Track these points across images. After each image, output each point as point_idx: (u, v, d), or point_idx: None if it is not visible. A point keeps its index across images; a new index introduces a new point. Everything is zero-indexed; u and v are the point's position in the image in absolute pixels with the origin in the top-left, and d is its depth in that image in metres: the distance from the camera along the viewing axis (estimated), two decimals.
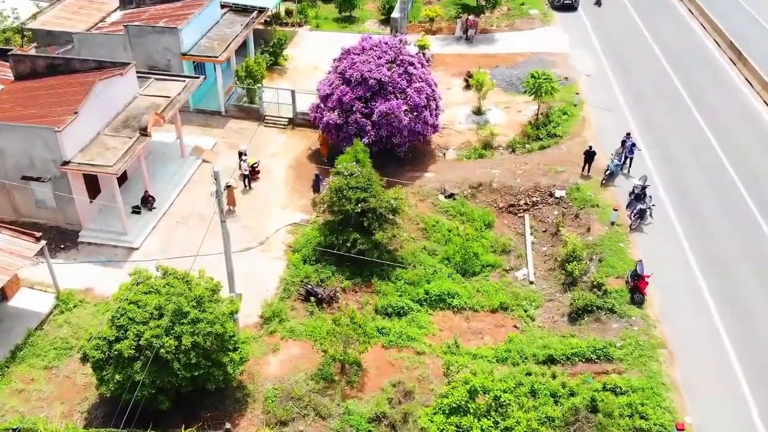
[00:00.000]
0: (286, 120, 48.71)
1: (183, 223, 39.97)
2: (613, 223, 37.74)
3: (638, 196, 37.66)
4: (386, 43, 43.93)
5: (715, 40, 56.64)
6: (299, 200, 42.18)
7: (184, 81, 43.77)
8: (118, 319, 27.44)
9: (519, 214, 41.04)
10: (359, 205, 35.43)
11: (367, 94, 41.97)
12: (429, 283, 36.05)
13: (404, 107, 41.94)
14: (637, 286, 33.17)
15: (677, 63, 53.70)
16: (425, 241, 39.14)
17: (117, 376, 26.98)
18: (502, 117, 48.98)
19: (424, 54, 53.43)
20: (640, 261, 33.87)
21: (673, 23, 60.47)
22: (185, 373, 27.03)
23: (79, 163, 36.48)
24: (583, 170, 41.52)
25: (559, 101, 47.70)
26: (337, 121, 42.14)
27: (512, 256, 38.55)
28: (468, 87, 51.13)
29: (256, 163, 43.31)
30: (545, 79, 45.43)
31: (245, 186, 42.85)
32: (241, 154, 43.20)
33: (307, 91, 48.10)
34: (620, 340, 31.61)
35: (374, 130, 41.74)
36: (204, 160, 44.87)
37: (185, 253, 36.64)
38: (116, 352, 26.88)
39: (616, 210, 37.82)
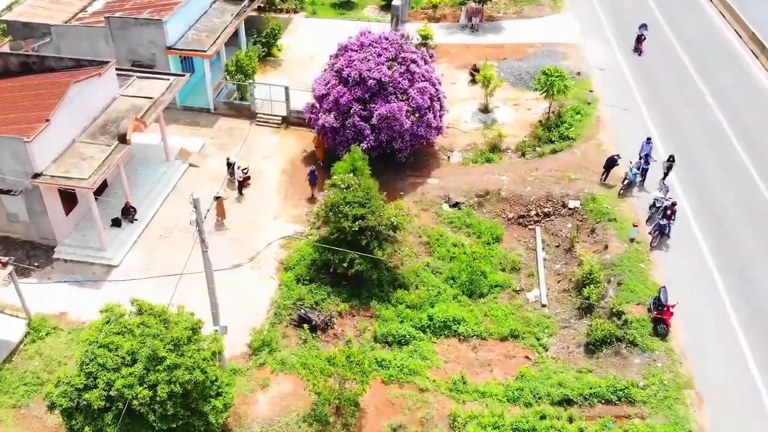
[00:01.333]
0: (280, 118, 45.52)
1: (167, 237, 37.04)
2: (632, 240, 34.77)
3: (663, 211, 34.53)
4: (386, 39, 40.62)
5: (735, 31, 53.14)
6: (293, 209, 39.19)
7: (169, 79, 40.55)
8: (87, 364, 24.66)
9: (529, 227, 38.06)
10: (357, 222, 32.46)
11: (366, 95, 38.78)
12: (433, 307, 33.24)
13: (406, 109, 38.70)
14: (660, 316, 30.28)
15: (696, 55, 50.27)
16: (428, 257, 36.21)
17: (87, 428, 24.28)
18: (510, 115, 45.78)
19: (426, 46, 50.25)
20: (664, 288, 30.96)
21: (690, 12, 56.82)
22: (162, 425, 24.34)
23: (51, 176, 33.48)
24: (602, 177, 38.49)
25: (572, 99, 44.45)
26: (334, 125, 39.01)
27: (522, 274, 35.62)
28: (474, 82, 47.84)
29: (245, 168, 40.22)
30: (558, 76, 42.15)
31: (239, 194, 39.82)
32: (229, 164, 40.11)
33: (302, 87, 44.97)
34: (643, 379, 28.80)
35: (373, 135, 38.64)
36: (191, 164, 41.80)
37: (169, 270, 33.98)
38: (85, 402, 24.09)
39: (636, 226, 34.80)
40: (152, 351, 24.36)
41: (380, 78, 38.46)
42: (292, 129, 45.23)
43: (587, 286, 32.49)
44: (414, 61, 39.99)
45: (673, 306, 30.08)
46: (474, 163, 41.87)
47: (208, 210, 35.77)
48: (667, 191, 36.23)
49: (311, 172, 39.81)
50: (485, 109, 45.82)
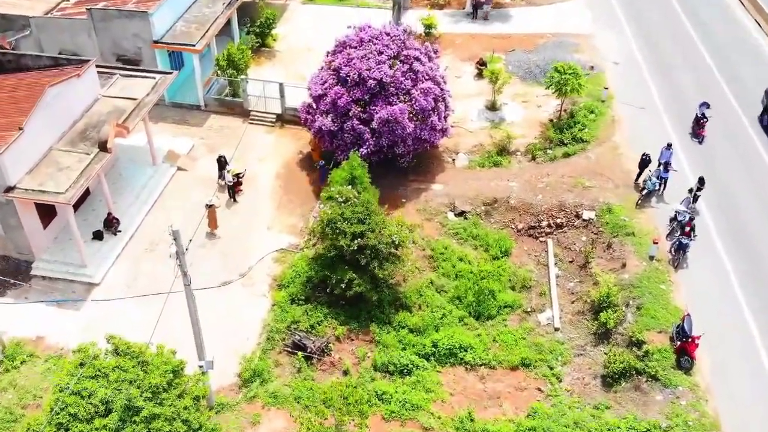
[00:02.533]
0: (274, 116, 42.81)
1: (152, 250, 34.58)
2: (652, 258, 32.28)
3: (682, 226, 31.98)
4: (388, 34, 37.78)
5: (756, 21, 50.10)
6: (288, 218, 36.69)
7: (154, 78, 37.78)
8: (58, 414, 22.29)
9: (541, 239, 35.55)
10: (355, 241, 29.98)
11: (366, 97, 36.07)
12: (437, 331, 30.91)
13: (408, 111, 36.02)
14: (684, 347, 27.88)
15: (715, 46, 47.28)
16: (432, 272, 33.79)
17: None
18: (519, 113, 43.05)
19: (430, 36, 47.44)
20: (688, 315, 28.53)
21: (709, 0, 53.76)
22: None
23: (25, 189, 30.95)
24: (636, 178, 36.19)
25: (585, 96, 41.60)
26: (331, 128, 36.34)
27: (533, 293, 33.21)
28: (480, 76, 45.03)
29: (240, 173, 37.59)
30: (571, 73, 39.36)
31: (230, 198, 37.32)
32: (221, 162, 37.57)
33: (298, 82, 42.26)
34: (665, 419, 26.50)
35: (374, 139, 36.00)
36: (179, 168, 39.19)
37: (154, 287, 31.86)
38: None
39: (656, 243, 32.26)
40: (128, 400, 22.09)
41: (381, 78, 35.73)
42: (288, 128, 42.57)
43: (604, 311, 30.08)
44: (417, 59, 37.23)
45: (698, 337, 27.67)
46: (481, 167, 39.26)
47: (201, 220, 33.49)
48: (689, 203, 33.68)
49: (322, 166, 37.36)
50: (493, 107, 43.11)
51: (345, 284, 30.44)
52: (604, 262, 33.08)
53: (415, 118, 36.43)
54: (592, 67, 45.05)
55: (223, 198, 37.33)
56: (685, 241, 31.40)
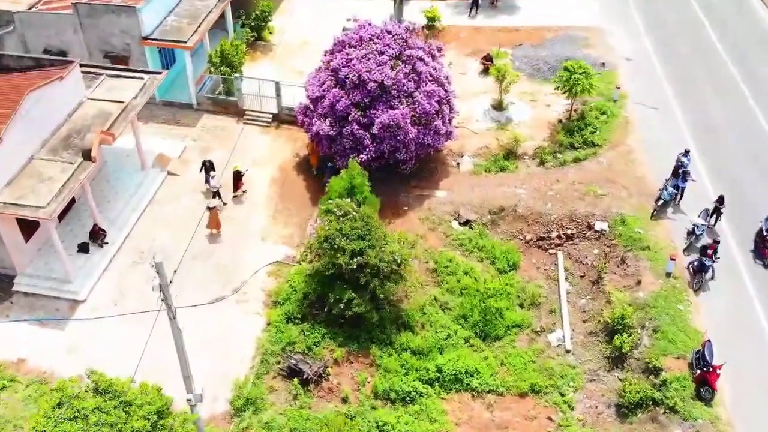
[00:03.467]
0: (270, 116, 40.82)
1: (140, 263, 32.76)
2: (669, 275, 30.49)
3: (703, 248, 30.14)
4: (389, 33, 35.73)
5: None
6: (283, 228, 34.85)
7: (143, 79, 35.76)
8: None
9: (550, 251, 33.73)
10: (355, 259, 28.19)
11: (366, 100, 34.09)
12: (441, 353, 29.20)
13: (411, 115, 34.10)
14: (704, 377, 26.17)
15: (731, 41, 45.19)
16: (436, 288, 32.03)
17: None
18: (527, 112, 41.04)
19: (433, 29, 45.37)
20: (709, 342, 26.80)
21: None
22: None
23: (4, 203, 29.11)
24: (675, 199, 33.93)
25: (596, 95, 39.59)
26: (330, 133, 34.39)
27: (543, 310, 31.47)
28: (486, 72, 42.99)
29: (242, 171, 35.98)
30: (582, 73, 37.32)
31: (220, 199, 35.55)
32: (206, 166, 35.70)
33: (295, 79, 40.40)
34: None
35: (374, 145, 34.07)
36: (170, 173, 37.28)
37: (142, 304, 30.04)
38: None
39: (673, 259, 30.45)
40: None
41: (382, 80, 33.73)
42: (284, 128, 40.61)
43: (619, 335, 28.35)
44: (420, 59, 35.20)
45: (719, 367, 25.95)
46: (487, 172, 37.33)
47: (195, 231, 31.74)
48: (709, 216, 31.85)
49: (330, 167, 35.40)
50: (499, 106, 41.10)
51: (344, 304, 28.67)
52: (617, 279, 31.30)
53: (418, 123, 34.49)
54: (603, 64, 43.01)
55: (212, 199, 35.36)
56: (708, 263, 29.56)
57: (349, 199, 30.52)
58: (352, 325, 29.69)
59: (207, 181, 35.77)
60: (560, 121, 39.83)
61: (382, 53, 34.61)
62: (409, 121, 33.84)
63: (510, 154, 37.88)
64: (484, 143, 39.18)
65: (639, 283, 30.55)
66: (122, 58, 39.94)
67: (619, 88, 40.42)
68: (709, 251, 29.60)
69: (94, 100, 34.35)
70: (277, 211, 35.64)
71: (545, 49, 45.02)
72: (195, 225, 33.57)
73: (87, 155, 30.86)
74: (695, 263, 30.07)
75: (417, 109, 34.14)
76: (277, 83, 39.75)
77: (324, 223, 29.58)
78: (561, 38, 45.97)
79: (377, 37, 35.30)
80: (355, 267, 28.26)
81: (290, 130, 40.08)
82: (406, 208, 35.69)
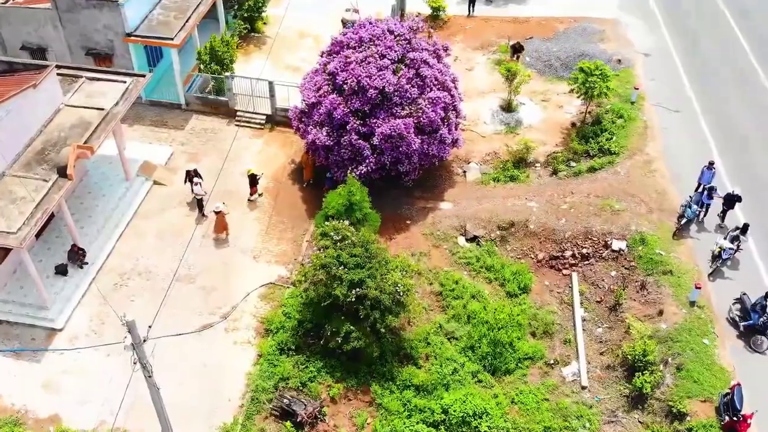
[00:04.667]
0: (263, 117, 38.19)
1: (123, 285, 30.48)
2: (693, 304, 28.14)
3: (753, 307, 27.59)
4: (391, 32, 33.01)
5: None
6: (277, 245, 32.48)
7: (125, 82, 33.13)
8: None
9: (564, 271, 31.37)
10: (353, 291, 25.85)
11: (366, 108, 31.48)
12: (447, 390, 26.93)
13: (415, 124, 31.56)
14: (733, 426, 23.94)
15: (757, 36, 42.25)
16: (441, 314, 29.73)
17: None
18: (537, 114, 38.43)
19: (437, 17, 42.55)
20: (738, 385, 24.54)
21: None
22: None
23: None
24: (721, 220, 31.16)
25: (613, 96, 36.88)
26: (327, 143, 31.85)
27: (557, 340, 29.21)
28: (517, 59, 39.98)
29: (258, 175, 33.86)
30: (599, 75, 34.63)
31: (199, 214, 33.07)
32: (191, 175, 33.28)
33: (289, 81, 37.53)
34: None
35: (375, 156, 31.54)
36: (156, 182, 34.79)
37: (125, 333, 27.69)
38: None
39: (698, 288, 28.07)
40: None
41: (383, 87, 31.09)
42: (278, 131, 38.03)
43: (639, 372, 26.08)
44: (425, 62, 32.52)
45: (750, 416, 23.71)
46: (495, 182, 34.83)
47: (186, 248, 29.39)
48: (738, 238, 29.43)
49: (329, 178, 33.22)
50: (508, 107, 38.45)
51: (341, 338, 26.39)
52: (637, 306, 28.97)
53: (422, 132, 31.94)
54: (619, 61, 40.30)
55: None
56: (762, 319, 27.06)
57: (347, 222, 28.13)
58: (350, 358, 27.46)
59: (193, 190, 33.37)
60: (574, 124, 37.23)
61: (383, 56, 31.94)
62: (412, 131, 31.27)
63: (520, 162, 35.32)
64: (492, 148, 36.64)
65: (661, 313, 28.21)
66: (105, 56, 37.33)
67: (637, 89, 37.65)
68: (757, 307, 27.08)
69: (72, 106, 31.75)
70: (271, 225, 33.24)
71: (557, 43, 42.21)
72: (181, 242, 31.34)
73: (62, 172, 28.42)
74: (745, 320, 27.59)
75: (421, 118, 31.53)
76: (270, 83, 37.04)
77: (319, 250, 27.17)
78: (574, 31, 43.13)
79: (378, 38, 32.58)
80: (353, 299, 25.93)
81: (285, 133, 37.52)
82: (408, 222, 33.29)
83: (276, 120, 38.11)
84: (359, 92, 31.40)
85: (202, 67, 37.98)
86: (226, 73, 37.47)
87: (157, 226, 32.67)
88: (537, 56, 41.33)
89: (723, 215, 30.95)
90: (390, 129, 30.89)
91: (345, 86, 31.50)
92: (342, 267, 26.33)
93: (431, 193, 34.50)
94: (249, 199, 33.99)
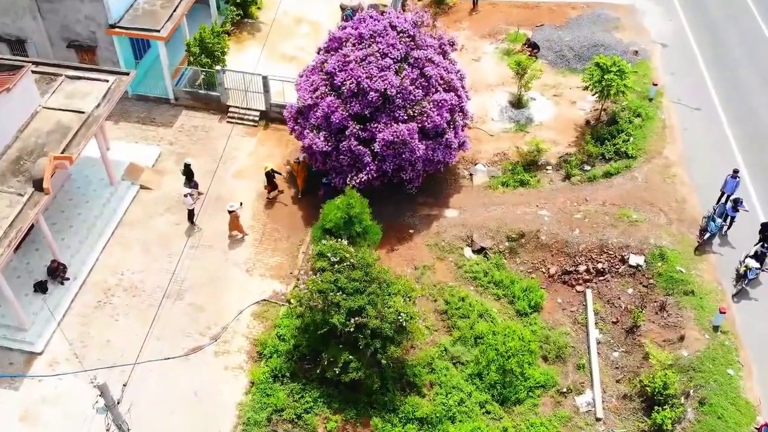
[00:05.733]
0: (257, 113, 35.91)
1: (106, 302, 28.55)
2: (716, 329, 26.23)
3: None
4: (393, 28, 30.57)
5: None
6: (272, 255, 30.51)
7: (107, 81, 30.84)
8: None
9: (578, 287, 29.42)
10: (352, 321, 23.92)
11: (366, 112, 29.23)
12: (453, 423, 25.22)
13: (419, 129, 29.39)
14: None
15: None
16: (446, 336, 27.85)
17: None
18: (549, 110, 36.14)
19: (441, 2, 40.05)
20: (766, 426, 22.68)
21: None
22: None
23: None
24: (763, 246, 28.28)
25: (630, 93, 34.58)
26: (324, 149, 29.69)
27: (570, 365, 27.37)
28: (534, 57, 37.60)
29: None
30: (617, 72, 32.31)
31: (190, 223, 31.08)
32: (189, 170, 31.27)
33: (285, 75, 35.17)
34: None
35: (375, 163, 29.39)
36: (142, 186, 32.66)
37: (108, 356, 26.32)
38: None
39: (723, 312, 26.12)
40: None
41: (385, 89, 28.80)
42: (273, 128, 35.81)
43: (659, 407, 24.26)
44: (430, 60, 30.16)
45: None
46: (504, 187, 32.70)
47: (177, 263, 27.46)
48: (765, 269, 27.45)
49: (325, 184, 31.23)
50: (518, 103, 36.14)
51: (339, 368, 24.52)
52: (656, 329, 27.08)
53: (426, 137, 29.76)
54: (636, 52, 37.89)
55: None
56: None
57: (346, 240, 26.09)
58: (349, 387, 25.61)
59: (190, 185, 31.57)
60: (588, 122, 34.99)
61: (385, 55, 29.60)
62: (416, 137, 29.08)
63: (531, 165, 33.16)
64: (500, 148, 34.44)
65: (682, 338, 26.33)
66: (88, 48, 35.05)
67: (656, 85, 35.28)
68: None
69: (51, 109, 29.50)
70: (265, 234, 31.22)
71: (570, 31, 39.73)
72: (169, 253, 29.47)
73: (38, 185, 26.31)
74: None
75: (426, 122, 29.30)
76: (264, 78, 34.68)
77: (316, 273, 25.19)
78: (587, 18, 40.60)
79: (379, 35, 30.17)
80: (352, 329, 24.01)
81: (280, 130, 35.27)
82: (411, 231, 31.27)
83: (271, 116, 35.86)
84: (359, 95, 29.14)
85: (191, 60, 35.56)
86: (217, 67, 35.06)
87: (143, 236, 30.65)
88: (548, 46, 38.90)
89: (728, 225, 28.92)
90: (392, 135, 28.70)
91: (344, 88, 29.20)
92: (340, 292, 24.37)
93: (435, 198, 32.40)
94: (268, 198, 32.28)
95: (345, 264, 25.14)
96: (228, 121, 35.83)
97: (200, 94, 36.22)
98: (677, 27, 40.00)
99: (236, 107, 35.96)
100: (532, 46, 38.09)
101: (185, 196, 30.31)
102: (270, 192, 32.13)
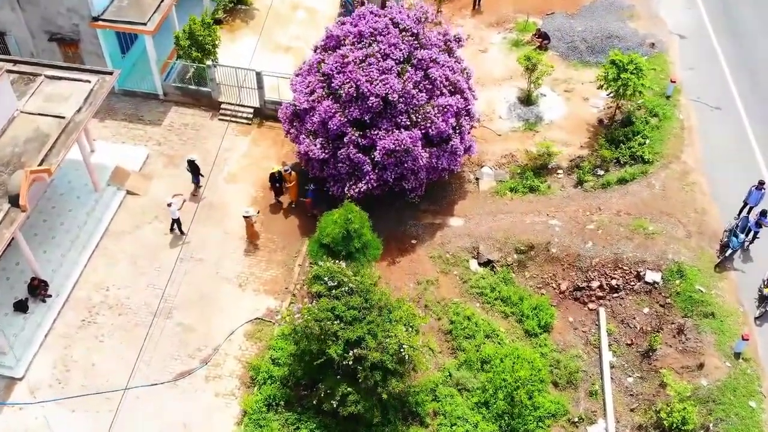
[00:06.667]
0: (251, 110, 33.97)
1: (91, 322, 26.94)
2: (738, 356, 24.65)
3: None
4: (396, 25, 28.49)
5: None
6: (266, 268, 28.86)
7: (90, 82, 28.87)
8: None
9: (590, 305, 27.79)
10: (351, 353, 22.32)
11: (366, 118, 27.29)
12: None
13: (422, 135, 27.52)
14: None
15: None
16: (451, 359, 26.27)
17: None
18: (560, 108, 34.17)
19: None
20: None
21: None
22: None
23: None
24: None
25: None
26: (321, 156, 27.83)
27: (582, 391, 25.85)
28: (541, 48, 35.60)
29: (285, 169, 30.02)
30: (634, 71, 30.29)
31: (177, 232, 29.38)
32: (195, 166, 29.65)
33: (281, 72, 33.11)
34: None
35: (376, 173, 27.55)
36: (129, 191, 30.86)
37: (92, 382, 24.92)
38: None
39: (746, 339, 24.49)
40: None
41: (386, 94, 26.83)
42: (268, 126, 33.95)
43: None
44: (434, 61, 28.13)
45: None
46: (512, 193, 30.89)
47: (169, 279, 25.88)
48: None
49: (312, 191, 29.57)
50: (527, 100, 34.15)
51: (337, 400, 22.97)
52: (674, 355, 25.46)
53: (430, 144, 27.90)
54: (652, 44, 35.74)
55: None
56: None
57: (344, 263, 24.36)
58: (347, 418, 24.03)
59: (197, 181, 30.55)
60: (601, 121, 33.06)
61: (386, 56, 27.57)
62: (419, 145, 27.21)
63: (541, 169, 31.31)
64: (508, 149, 32.56)
65: (701, 366, 24.72)
66: (71, 41, 33.04)
67: (674, 82, 33.23)
68: None
69: (29, 113, 27.59)
70: (259, 244, 29.45)
71: (582, 21, 37.54)
72: (157, 266, 27.85)
73: (14, 202, 24.53)
74: None
75: (430, 129, 27.39)
76: (258, 74, 32.66)
77: (311, 301, 23.54)
78: (601, 6, 38.37)
79: (380, 33, 28.10)
80: (350, 362, 22.42)
81: (275, 129, 33.35)
82: (414, 241, 29.56)
83: (265, 114, 33.92)
84: (358, 99, 27.19)
85: (180, 53, 33.49)
86: (208, 62, 33.00)
87: (130, 248, 28.94)
88: (559, 36, 36.76)
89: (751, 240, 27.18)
90: (394, 143, 26.82)
91: (342, 91, 27.22)
92: (337, 321, 22.72)
93: (439, 205, 30.62)
94: (278, 201, 30.70)
95: (343, 289, 23.48)
96: (220, 119, 33.93)
97: (190, 89, 34.23)
98: (695, 16, 37.78)
99: (229, 104, 34.01)
100: (543, 37, 35.97)
101: (168, 205, 28.54)
102: (277, 195, 30.37)
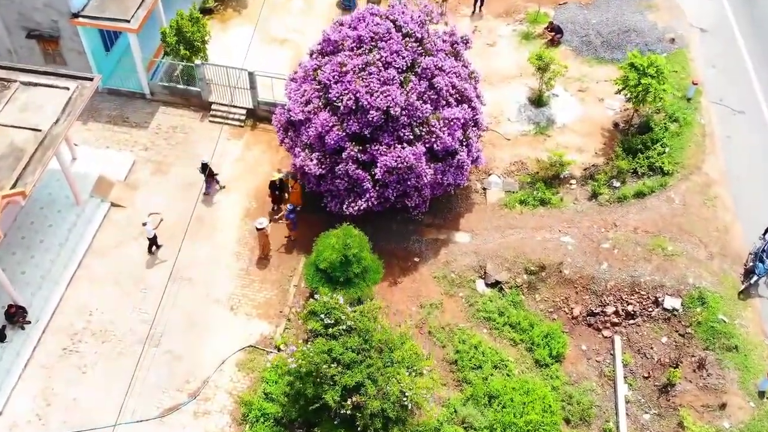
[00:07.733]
0: (243, 112, 31.89)
1: (73, 350, 25.29)
2: (762, 395, 23.05)
3: None
4: (399, 29, 26.25)
5: None
6: (259, 289, 27.14)
7: (68, 89, 26.76)
8: None
9: (605, 332, 26.08)
10: (350, 400, 20.70)
11: (366, 132, 25.25)
12: None
13: (426, 150, 25.54)
14: None
15: None
16: (456, 392, 24.67)
17: None
18: (573, 110, 32.06)
19: None
20: None
21: None
22: None
23: None
24: None
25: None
26: (317, 172, 25.87)
27: (595, 428, 24.29)
28: (552, 43, 33.44)
29: (284, 175, 28.56)
30: (655, 75, 28.15)
31: (151, 250, 27.55)
32: (208, 169, 27.97)
33: (276, 72, 30.90)
34: None
35: (377, 189, 25.62)
36: (113, 204, 28.95)
37: (74, 418, 23.38)
38: None
39: None
40: None
41: (388, 107, 24.76)
42: (261, 129, 31.94)
43: None
44: (440, 68, 25.97)
45: None
46: (522, 206, 28.99)
47: (160, 302, 24.21)
48: None
49: (290, 211, 27.42)
50: (538, 101, 32.02)
51: None
52: (694, 392, 23.84)
53: (435, 158, 25.93)
54: (672, 40, 33.43)
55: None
56: None
57: (341, 298, 22.59)
58: None
59: (209, 184, 28.84)
60: (617, 125, 31.00)
61: (388, 65, 25.40)
62: (423, 159, 25.23)
63: (553, 179, 29.35)
64: (518, 156, 30.58)
65: (723, 406, 23.10)
66: (50, 38, 30.80)
67: (695, 84, 31.06)
68: None
69: (2, 126, 25.57)
70: (252, 263, 27.66)
71: (597, 12, 35.19)
72: (143, 287, 26.16)
73: None
74: None
75: (435, 143, 25.38)
76: (251, 74, 30.51)
77: (307, 342, 21.84)
78: None
79: (382, 39, 25.89)
80: (348, 411, 20.80)
81: (270, 132, 31.29)
82: (417, 259, 27.76)
83: (258, 115, 31.84)
84: (357, 112, 25.12)
85: (167, 51, 31.28)
86: (197, 61, 30.81)
87: (114, 267, 27.15)
88: (572, 29, 34.46)
89: None
90: (395, 160, 24.85)
91: (340, 104, 25.15)
92: (335, 364, 21.04)
93: (444, 219, 28.76)
94: (277, 209, 29.07)
95: (341, 327, 21.76)
96: (210, 121, 31.84)
97: (179, 89, 32.10)
98: (717, 7, 35.35)
99: (220, 104, 31.90)
100: (555, 31, 33.69)
101: (144, 224, 26.70)
102: (275, 207, 28.68)
